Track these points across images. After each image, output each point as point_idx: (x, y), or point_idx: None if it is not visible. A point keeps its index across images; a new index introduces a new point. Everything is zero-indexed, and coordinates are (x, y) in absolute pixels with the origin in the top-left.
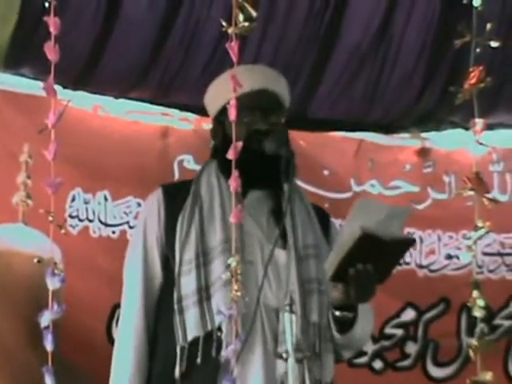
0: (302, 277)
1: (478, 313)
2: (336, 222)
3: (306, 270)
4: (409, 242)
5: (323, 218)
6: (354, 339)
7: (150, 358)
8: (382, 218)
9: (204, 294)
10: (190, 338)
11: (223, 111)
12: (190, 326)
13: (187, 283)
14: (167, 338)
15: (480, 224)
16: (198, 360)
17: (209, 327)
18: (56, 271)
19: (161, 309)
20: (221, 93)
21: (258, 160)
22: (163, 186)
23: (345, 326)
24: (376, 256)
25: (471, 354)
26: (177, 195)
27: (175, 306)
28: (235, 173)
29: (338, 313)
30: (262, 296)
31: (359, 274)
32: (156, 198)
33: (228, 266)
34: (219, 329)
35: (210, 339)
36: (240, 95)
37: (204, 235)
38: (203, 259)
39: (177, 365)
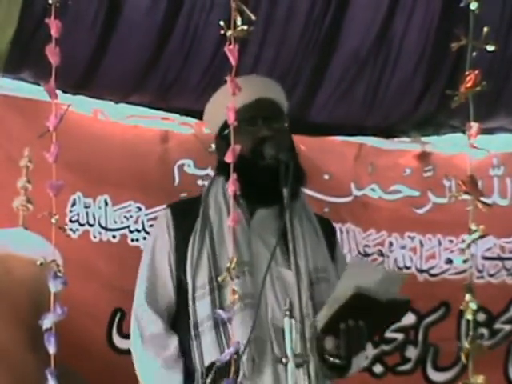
0: (315, 301)
1: (470, 316)
2: (336, 226)
3: (318, 293)
4: (405, 304)
5: (328, 232)
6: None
7: None
8: (378, 279)
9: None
10: (206, 363)
11: (225, 126)
12: (206, 351)
13: (202, 308)
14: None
15: (474, 227)
16: None
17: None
18: (59, 273)
19: (177, 331)
20: (219, 108)
21: (260, 168)
22: (170, 206)
23: (335, 368)
24: (369, 314)
25: (463, 357)
26: (185, 214)
27: (192, 332)
28: (233, 176)
29: (331, 359)
30: (268, 310)
31: (349, 329)
32: (165, 218)
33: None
34: (236, 353)
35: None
36: (239, 108)
37: (216, 259)
38: (217, 283)
39: None
